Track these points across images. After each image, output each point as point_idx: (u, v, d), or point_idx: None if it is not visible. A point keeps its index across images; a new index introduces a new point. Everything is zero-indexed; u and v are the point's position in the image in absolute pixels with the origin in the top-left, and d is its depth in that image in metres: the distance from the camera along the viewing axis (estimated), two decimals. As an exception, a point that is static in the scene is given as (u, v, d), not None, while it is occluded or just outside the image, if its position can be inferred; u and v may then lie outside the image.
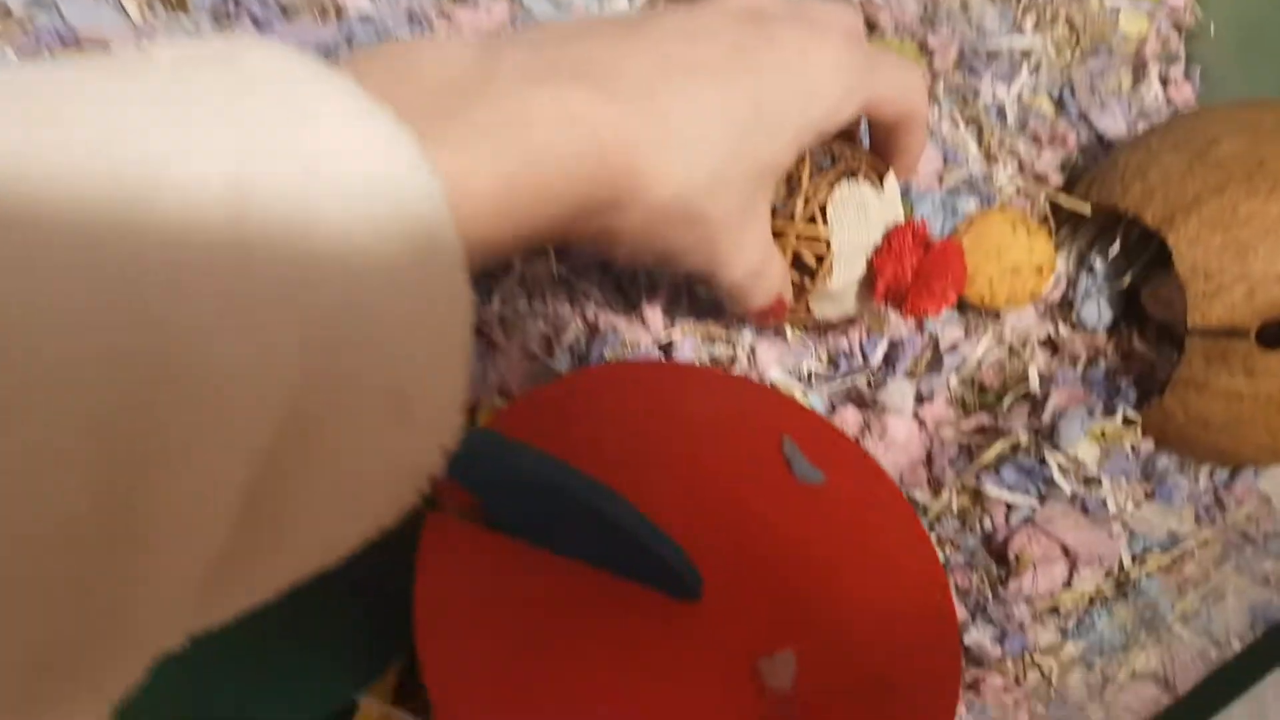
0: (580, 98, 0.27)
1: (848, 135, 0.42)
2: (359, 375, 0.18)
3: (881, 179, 0.41)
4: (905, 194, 0.48)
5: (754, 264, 0.36)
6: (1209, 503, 0.54)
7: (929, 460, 0.48)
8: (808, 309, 0.42)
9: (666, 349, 0.45)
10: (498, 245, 0.25)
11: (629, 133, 0.27)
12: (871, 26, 0.53)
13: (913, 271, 0.36)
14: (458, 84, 0.25)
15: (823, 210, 0.39)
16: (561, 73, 0.27)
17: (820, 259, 0.40)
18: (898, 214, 0.41)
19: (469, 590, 0.29)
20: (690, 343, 0.46)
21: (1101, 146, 0.57)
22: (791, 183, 0.39)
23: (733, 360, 0.47)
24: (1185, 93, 0.67)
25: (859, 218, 0.39)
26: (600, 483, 0.28)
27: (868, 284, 0.41)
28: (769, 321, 0.41)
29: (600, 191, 0.27)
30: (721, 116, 0.30)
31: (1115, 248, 0.50)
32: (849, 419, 0.48)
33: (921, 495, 0.47)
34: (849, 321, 0.47)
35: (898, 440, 0.48)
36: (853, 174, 0.40)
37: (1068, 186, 0.53)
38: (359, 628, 0.31)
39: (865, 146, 0.43)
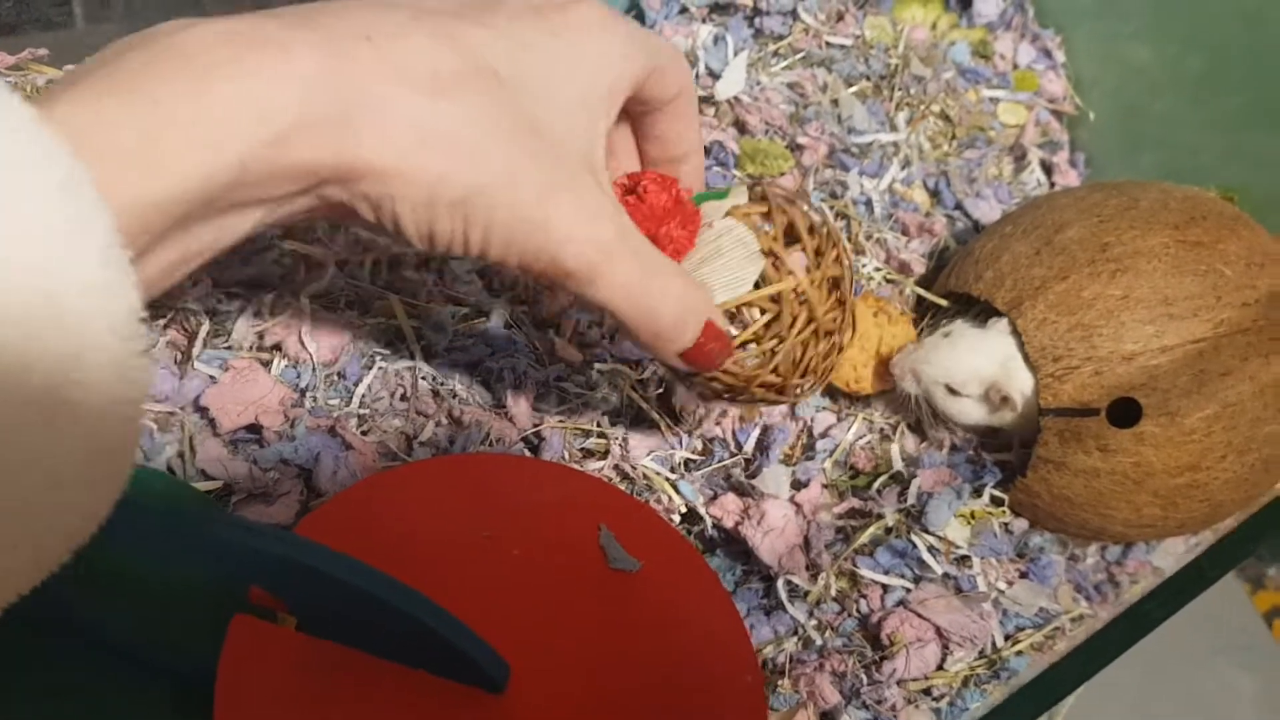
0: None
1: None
2: None
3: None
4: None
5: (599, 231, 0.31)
6: (1101, 580, 0.54)
7: (806, 544, 0.49)
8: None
9: (534, 445, 0.46)
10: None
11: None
12: (741, 128, 0.55)
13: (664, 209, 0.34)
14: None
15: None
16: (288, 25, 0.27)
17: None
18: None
19: (273, 693, 0.29)
20: (558, 436, 0.47)
21: (978, 233, 0.59)
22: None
23: (606, 453, 0.48)
24: (1070, 178, 0.69)
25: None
26: (399, 582, 0.28)
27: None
28: (712, 363, 0.35)
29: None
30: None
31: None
32: (729, 506, 0.49)
33: (800, 580, 0.48)
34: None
35: (775, 525, 0.49)
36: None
37: (937, 273, 0.54)
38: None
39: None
